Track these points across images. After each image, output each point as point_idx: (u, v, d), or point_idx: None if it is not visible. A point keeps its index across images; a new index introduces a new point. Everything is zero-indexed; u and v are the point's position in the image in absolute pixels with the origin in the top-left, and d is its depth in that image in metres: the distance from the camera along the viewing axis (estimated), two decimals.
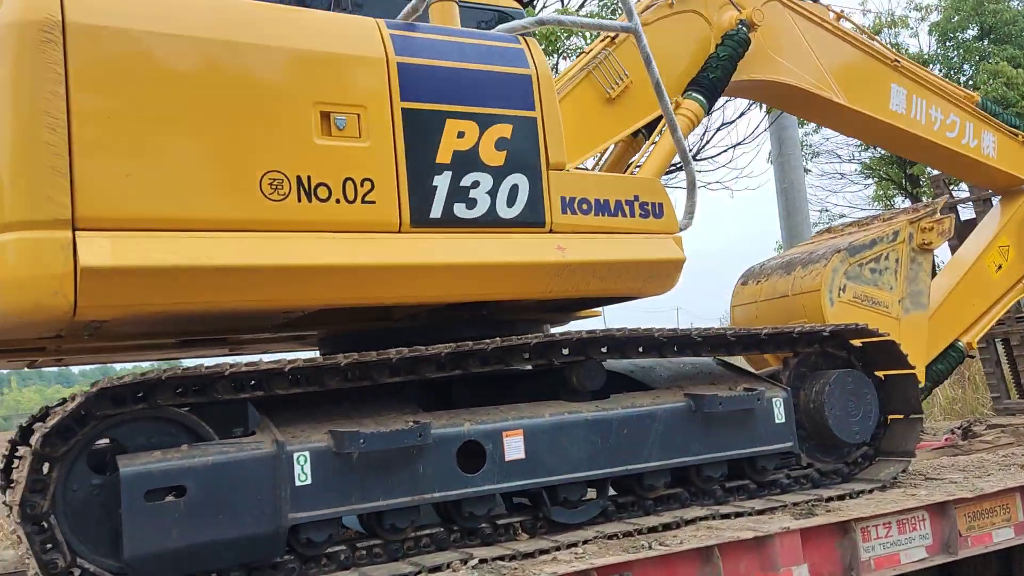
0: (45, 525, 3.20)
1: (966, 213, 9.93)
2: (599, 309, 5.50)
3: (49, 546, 3.19)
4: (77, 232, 3.12)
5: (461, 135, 3.95)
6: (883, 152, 20.72)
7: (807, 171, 19.68)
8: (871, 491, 4.83)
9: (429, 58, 3.97)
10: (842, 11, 7.22)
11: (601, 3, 10.96)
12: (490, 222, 3.99)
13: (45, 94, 3.12)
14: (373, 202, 3.71)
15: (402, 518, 3.77)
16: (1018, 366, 10.27)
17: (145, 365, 5.57)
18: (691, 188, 4.79)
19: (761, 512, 4.40)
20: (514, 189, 4.06)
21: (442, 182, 3.88)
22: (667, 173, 13.48)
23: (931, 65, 21.09)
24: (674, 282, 4.46)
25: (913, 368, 5.14)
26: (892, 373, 5.26)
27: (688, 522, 4.22)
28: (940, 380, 7.30)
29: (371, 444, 3.60)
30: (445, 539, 3.87)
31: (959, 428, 8.46)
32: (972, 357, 7.79)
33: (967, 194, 10.21)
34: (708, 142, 13.07)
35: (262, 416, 3.71)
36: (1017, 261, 7.72)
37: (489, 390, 4.42)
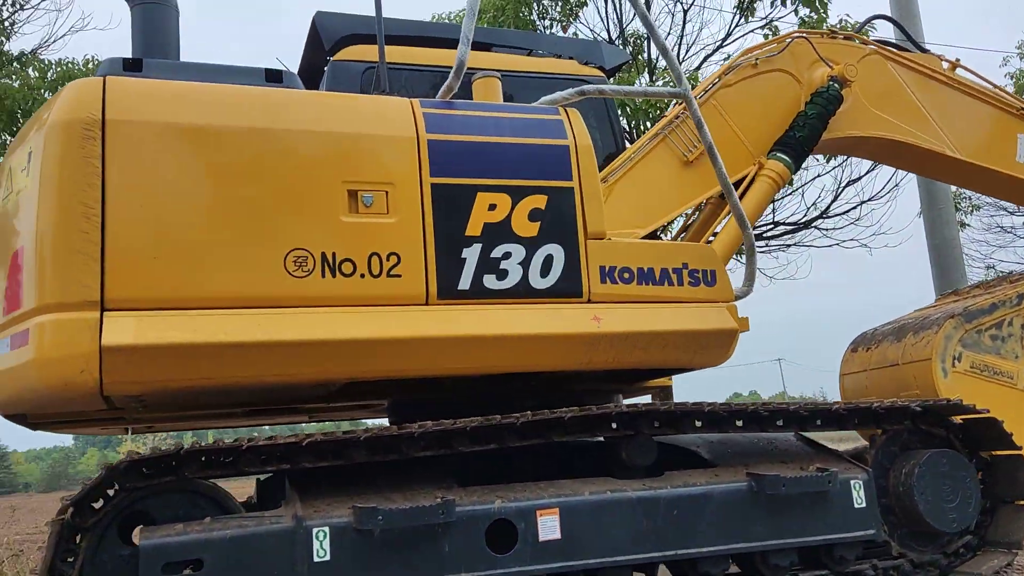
0: None
1: None
2: (669, 378, 5.26)
3: None
4: (105, 313, 3.31)
5: (492, 207, 3.93)
6: None
7: (964, 225, 18.28)
8: None
9: (461, 134, 4.00)
10: (957, 60, 6.74)
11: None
12: (522, 293, 3.92)
13: (83, 186, 3.37)
14: (399, 275, 3.73)
15: None
16: None
17: (233, 432, 5.81)
18: (750, 254, 4.54)
19: None
20: (548, 259, 3.98)
21: (471, 254, 3.86)
22: (787, 234, 12.92)
23: None
24: (728, 352, 4.20)
25: (1020, 448, 4.55)
26: (1000, 454, 4.69)
27: None
28: None
29: (390, 521, 3.55)
30: None
31: None
32: None
33: None
34: (837, 198, 12.43)
35: (291, 489, 3.75)
36: None
37: (541, 465, 4.29)
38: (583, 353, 3.94)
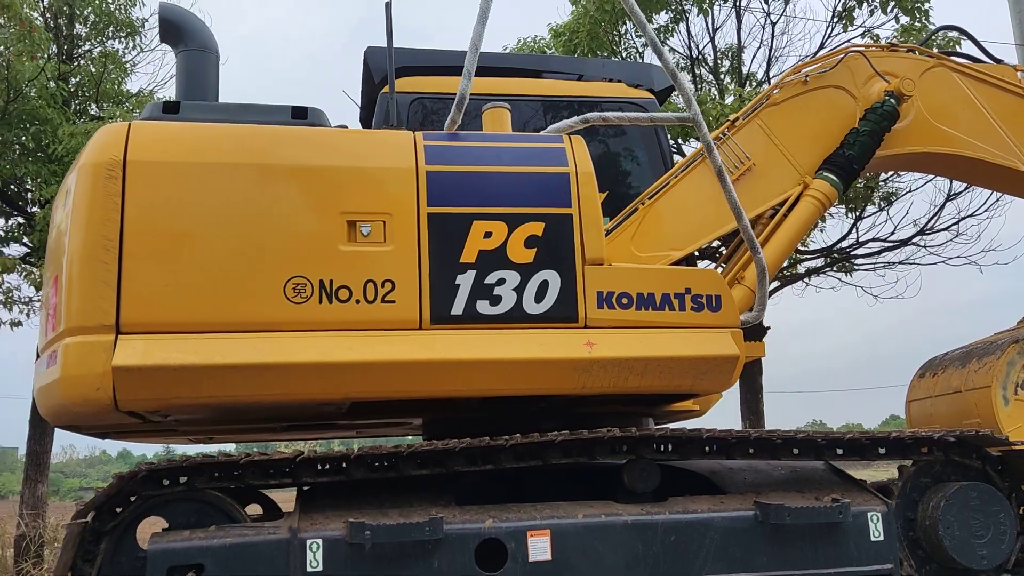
0: None
1: None
2: (693, 403, 5.21)
3: None
4: (120, 336, 3.65)
5: (488, 235, 4.06)
6: None
7: None
8: None
9: (460, 165, 4.16)
10: None
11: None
12: (515, 318, 4.02)
13: (105, 220, 3.73)
14: (393, 301, 3.91)
15: None
16: None
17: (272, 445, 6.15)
18: (761, 278, 4.47)
19: None
20: (543, 285, 4.07)
21: (465, 280, 3.99)
22: (886, 251, 12.34)
23: None
24: (730, 379, 4.15)
25: None
26: None
27: None
28: None
29: (378, 536, 3.71)
30: None
31: None
32: None
33: None
34: (938, 215, 11.82)
35: (297, 502, 3.98)
36: None
37: (553, 487, 4.36)
38: (576, 378, 4.00)
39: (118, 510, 3.76)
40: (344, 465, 3.94)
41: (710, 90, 12.24)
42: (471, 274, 4.01)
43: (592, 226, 4.18)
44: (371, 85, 6.12)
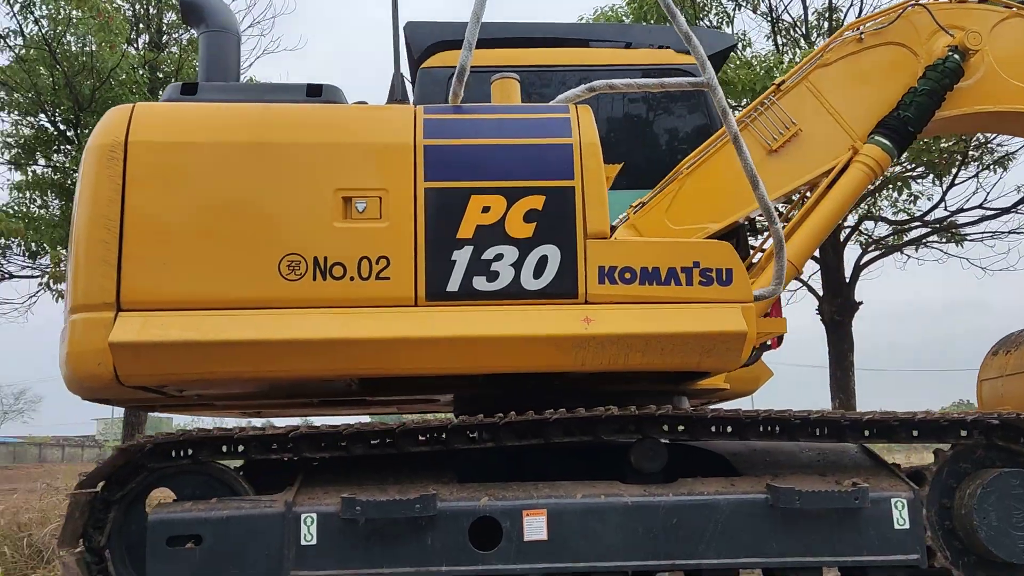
0: (101, 557, 3.84)
1: None
2: (722, 379, 5.00)
3: (101, 574, 3.82)
4: (120, 313, 3.77)
5: (486, 210, 3.97)
6: None
7: None
8: None
9: (460, 138, 4.08)
10: None
11: None
12: (513, 294, 3.93)
13: (106, 201, 3.85)
14: (388, 278, 3.89)
15: None
16: None
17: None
18: (778, 250, 4.20)
19: None
20: (543, 260, 3.95)
21: (461, 256, 3.93)
22: (988, 219, 11.49)
23: None
24: (738, 356, 3.92)
25: None
26: None
27: None
28: None
29: (368, 512, 3.73)
30: None
31: None
32: None
33: None
34: None
35: (299, 476, 4.04)
36: None
37: (565, 466, 4.27)
38: (574, 355, 3.88)
39: (125, 482, 3.91)
40: (343, 442, 3.97)
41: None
42: (468, 250, 3.94)
43: (595, 198, 4.03)
44: (411, 61, 6.10)
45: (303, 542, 3.76)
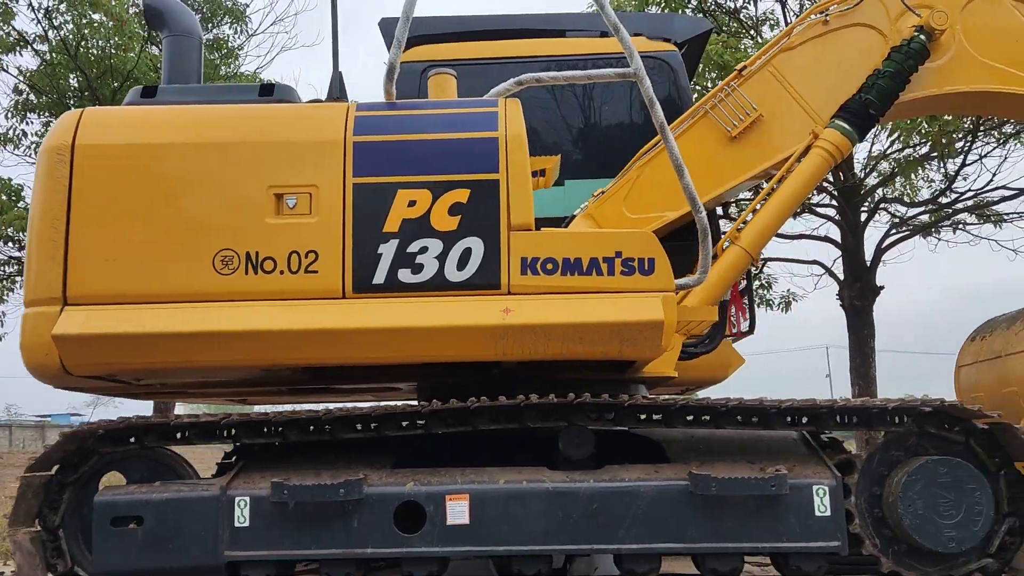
0: (54, 536, 4.10)
1: None
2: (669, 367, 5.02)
3: (55, 553, 4.07)
4: (66, 307, 4.00)
5: (412, 204, 4.09)
6: None
7: None
8: None
9: (388, 134, 4.19)
10: None
11: None
12: (437, 286, 4.03)
13: (54, 201, 4.08)
14: (316, 272, 4.03)
15: (337, 570, 3.98)
16: None
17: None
18: (702, 239, 4.22)
19: None
20: (466, 252, 4.05)
21: (387, 250, 4.05)
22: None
23: None
24: (657, 345, 3.96)
25: None
26: None
27: None
28: None
29: (295, 496, 3.91)
30: None
31: None
32: None
33: None
34: None
35: (241, 461, 4.24)
36: None
37: (504, 452, 4.38)
38: (494, 344, 3.96)
39: (78, 466, 4.16)
40: (279, 428, 4.15)
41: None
42: (394, 243, 4.06)
43: (519, 191, 4.11)
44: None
45: (236, 524, 3.95)
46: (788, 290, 14.10)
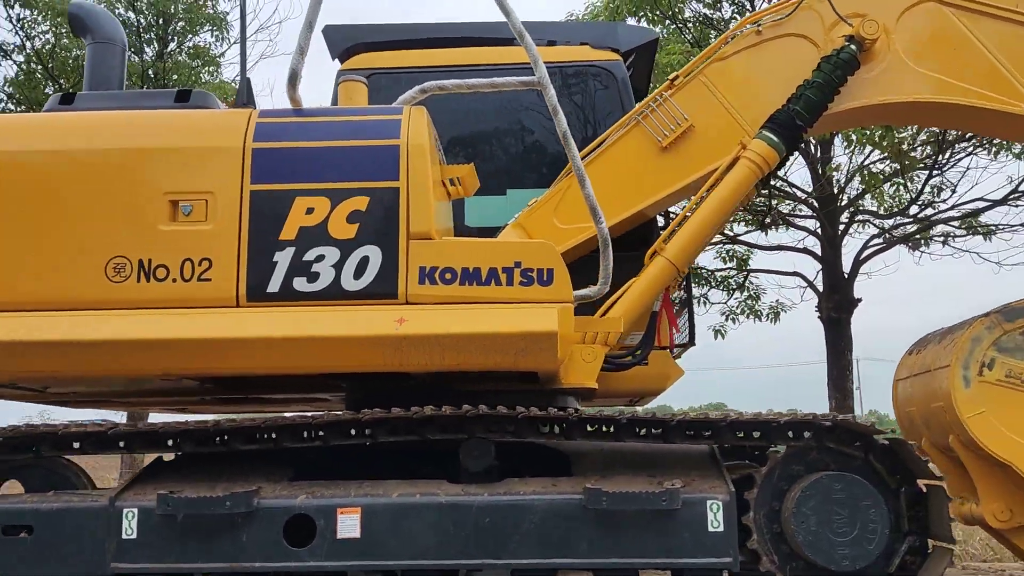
0: None
1: None
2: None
3: None
4: None
5: (310, 211, 4.05)
6: None
7: None
8: None
9: (288, 141, 4.16)
10: None
11: None
12: (333, 295, 3.99)
13: None
14: (209, 279, 4.00)
15: None
16: None
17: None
18: (603, 249, 4.17)
19: None
20: (364, 261, 4.01)
21: (283, 258, 4.02)
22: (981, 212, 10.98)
23: None
24: (553, 356, 3.89)
25: (941, 480, 3.70)
26: (928, 483, 3.85)
27: None
28: None
29: (181, 508, 3.86)
30: None
31: None
32: None
33: None
34: None
35: (132, 472, 4.20)
36: None
37: (408, 464, 4.33)
38: (390, 355, 3.91)
39: None
40: (169, 440, 4.11)
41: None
42: (290, 251, 4.02)
43: (419, 199, 4.07)
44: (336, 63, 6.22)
45: (124, 536, 3.90)
46: (777, 300, 14.03)
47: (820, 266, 12.33)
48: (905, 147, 9.92)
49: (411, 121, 4.22)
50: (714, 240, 13.57)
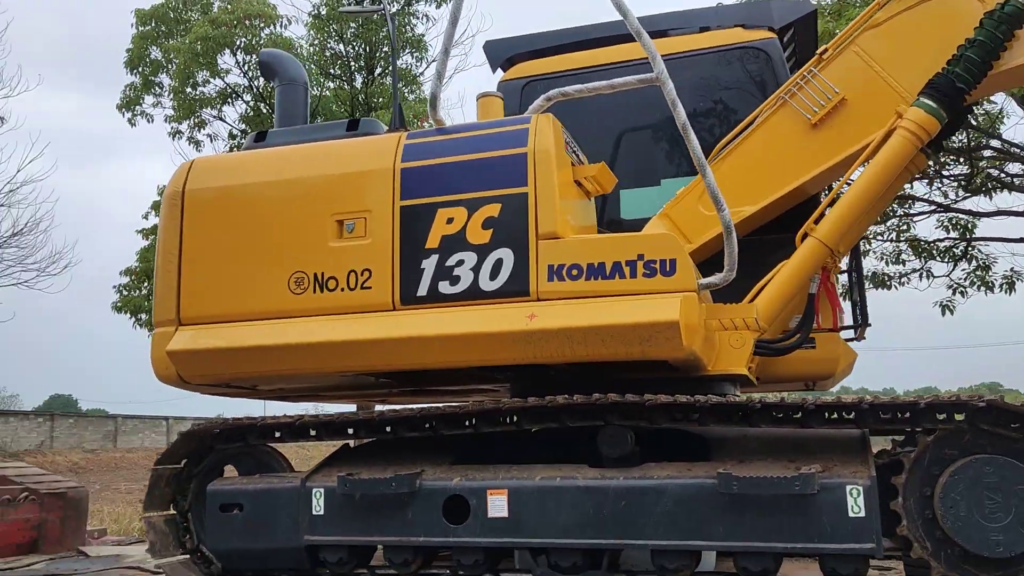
0: (185, 518, 4.91)
1: None
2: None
3: (185, 532, 4.88)
4: (180, 327, 4.79)
5: (450, 221, 4.45)
6: None
7: None
8: None
9: (430, 159, 4.59)
10: None
11: None
12: (472, 295, 4.36)
13: (170, 240, 4.89)
14: (370, 287, 4.52)
15: (397, 556, 4.42)
16: None
17: None
18: (727, 235, 4.18)
19: None
20: (498, 263, 4.34)
21: (429, 264, 4.45)
22: None
23: None
24: (678, 344, 3.98)
25: None
26: None
27: None
28: None
29: (354, 488, 4.40)
30: None
31: None
32: None
33: None
34: None
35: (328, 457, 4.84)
36: None
37: (558, 450, 4.61)
38: (524, 348, 4.21)
39: (199, 461, 4.95)
40: (350, 429, 4.68)
41: None
42: (434, 258, 4.44)
43: (546, 202, 4.33)
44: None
45: (314, 512, 4.51)
46: (1011, 268, 12.73)
47: None
48: None
49: (538, 129, 4.48)
50: (927, 209, 12.58)
